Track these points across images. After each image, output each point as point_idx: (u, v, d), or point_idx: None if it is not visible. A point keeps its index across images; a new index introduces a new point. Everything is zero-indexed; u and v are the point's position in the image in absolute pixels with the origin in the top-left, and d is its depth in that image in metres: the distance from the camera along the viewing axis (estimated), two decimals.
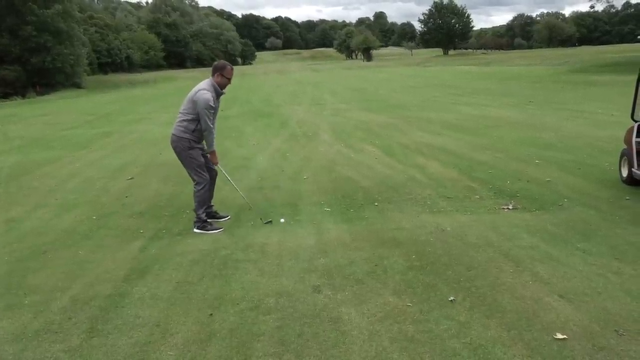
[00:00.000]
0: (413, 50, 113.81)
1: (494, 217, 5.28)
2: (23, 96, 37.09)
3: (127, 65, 73.89)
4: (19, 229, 5.76)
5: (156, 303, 3.67)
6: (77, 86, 44.48)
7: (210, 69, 5.29)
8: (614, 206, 5.40)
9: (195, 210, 5.33)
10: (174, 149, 5.29)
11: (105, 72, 66.37)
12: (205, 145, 5.32)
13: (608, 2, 44.34)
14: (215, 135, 5.31)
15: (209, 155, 5.36)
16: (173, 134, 5.26)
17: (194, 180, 5.34)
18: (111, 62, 69.81)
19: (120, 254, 4.76)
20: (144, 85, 46.02)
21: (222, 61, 5.37)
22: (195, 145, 5.24)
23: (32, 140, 13.47)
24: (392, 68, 55.94)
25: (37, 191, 7.55)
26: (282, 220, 5.50)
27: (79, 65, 45.73)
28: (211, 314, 3.45)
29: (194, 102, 5.10)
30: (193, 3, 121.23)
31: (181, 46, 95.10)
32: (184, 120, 5.19)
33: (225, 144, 10.37)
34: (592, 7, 44.56)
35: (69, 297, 3.84)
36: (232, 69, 5.26)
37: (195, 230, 5.30)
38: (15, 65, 39.86)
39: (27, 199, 7.13)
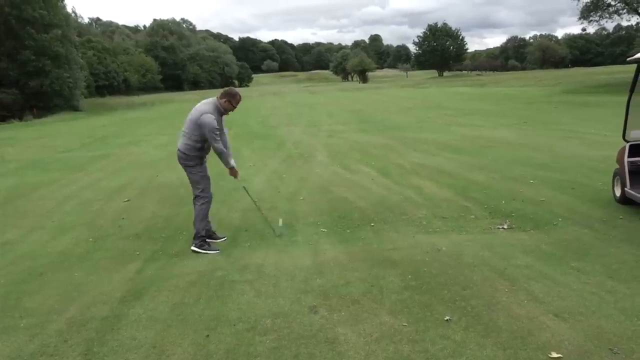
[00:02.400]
0: (408, 72, 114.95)
1: (489, 237, 5.32)
2: (20, 119, 37.19)
3: (125, 88, 74.41)
4: (15, 252, 5.75)
5: (152, 325, 3.67)
6: (75, 109, 44.61)
7: (207, 90, 5.39)
8: (608, 225, 5.45)
9: (196, 225, 5.35)
10: (182, 165, 5.37)
11: (103, 95, 66.76)
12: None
13: (599, 25, 44.86)
14: (231, 152, 5.49)
15: (228, 172, 5.55)
16: (180, 150, 5.31)
17: (197, 197, 5.42)
18: (109, 85, 70.28)
19: (117, 275, 4.77)
20: (141, 108, 46.21)
21: (235, 89, 5.45)
22: (202, 162, 5.40)
23: (29, 163, 13.49)
24: (388, 90, 56.41)
25: (33, 213, 7.55)
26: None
27: (77, 88, 46.00)
28: (208, 335, 3.45)
29: (198, 126, 5.15)
30: (191, 27, 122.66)
31: (178, 69, 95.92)
32: (189, 140, 5.25)
33: (222, 165, 10.40)
34: (583, 29, 45.57)
35: (65, 319, 3.84)
36: (241, 98, 5.36)
37: (193, 247, 5.31)
38: (13, 89, 40.06)
39: (23, 221, 7.13)
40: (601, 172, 7.73)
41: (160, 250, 5.50)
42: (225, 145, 5.38)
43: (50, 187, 9.70)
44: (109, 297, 4.22)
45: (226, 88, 5.50)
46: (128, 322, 3.74)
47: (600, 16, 40.05)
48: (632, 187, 5.87)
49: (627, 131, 6.27)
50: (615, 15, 39.74)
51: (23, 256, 5.57)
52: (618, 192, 6.25)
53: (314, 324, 3.53)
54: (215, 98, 5.32)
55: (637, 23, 44.96)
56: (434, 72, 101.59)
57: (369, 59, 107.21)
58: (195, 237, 5.36)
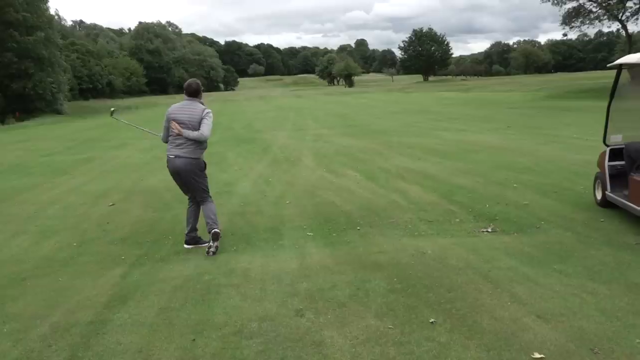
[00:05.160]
0: (394, 77, 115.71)
1: (474, 240, 5.38)
2: (2, 122, 36.67)
3: (109, 91, 73.79)
4: None
5: (138, 329, 3.65)
6: (58, 112, 44.09)
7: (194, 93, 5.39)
8: (589, 228, 5.54)
9: (215, 223, 5.38)
10: (187, 172, 5.32)
11: (87, 98, 66.07)
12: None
13: (581, 31, 45.65)
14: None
15: None
16: (185, 157, 5.27)
17: (206, 198, 5.48)
18: (92, 88, 69.65)
19: (102, 280, 4.73)
20: (125, 112, 45.77)
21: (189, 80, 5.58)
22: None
23: (11, 167, 13.31)
24: (374, 94, 56.65)
25: (16, 218, 7.46)
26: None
27: (60, 92, 45.50)
28: (194, 340, 3.45)
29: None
30: (176, 30, 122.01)
31: (163, 72, 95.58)
32: (199, 145, 5.32)
33: (207, 169, 10.38)
34: (564, 34, 46.19)
35: (49, 324, 3.80)
36: (188, 84, 5.44)
37: (217, 245, 5.33)
38: None
39: (5, 226, 7.03)
40: (583, 176, 7.86)
41: (145, 254, 5.47)
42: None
43: (33, 191, 9.59)
44: (94, 302, 4.19)
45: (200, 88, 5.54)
46: (113, 326, 3.72)
47: (582, 22, 40.78)
48: (612, 191, 5.99)
49: (607, 135, 6.38)
50: (597, 22, 40.52)
51: (6, 261, 5.49)
52: (599, 196, 6.36)
53: (300, 327, 3.54)
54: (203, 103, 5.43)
55: (618, 29, 45.74)
56: (419, 77, 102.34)
57: (354, 63, 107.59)
58: (217, 237, 5.34)
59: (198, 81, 5.57)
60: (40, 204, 8.36)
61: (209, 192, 5.58)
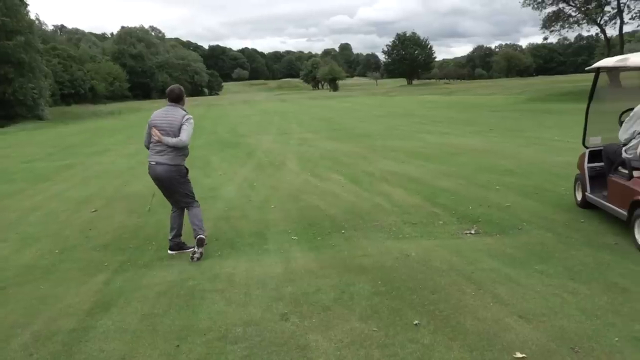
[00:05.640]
0: (378, 81, 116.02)
1: (457, 242, 5.43)
2: None
3: (91, 97, 72.90)
4: None
5: (121, 336, 3.62)
6: (39, 118, 43.44)
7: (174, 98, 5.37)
8: (570, 229, 5.62)
9: (201, 229, 5.35)
10: (169, 178, 5.29)
11: (68, 104, 65.17)
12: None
13: (561, 35, 46.39)
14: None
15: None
16: (165, 164, 5.23)
17: (192, 203, 5.47)
18: (74, 93, 68.75)
19: (84, 287, 4.69)
20: (108, 117, 45.39)
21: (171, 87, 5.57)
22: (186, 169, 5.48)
23: None
24: (358, 98, 56.81)
25: None
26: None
27: (41, 97, 44.84)
28: (178, 345, 3.43)
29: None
30: (160, 34, 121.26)
31: (147, 77, 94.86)
32: (180, 151, 5.28)
33: (191, 174, 10.33)
34: (545, 38, 46.89)
35: (30, 332, 3.76)
36: (170, 90, 5.43)
37: (201, 251, 5.31)
38: None
39: None
40: (564, 178, 7.97)
41: (128, 260, 5.43)
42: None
43: (14, 197, 9.46)
44: (76, 310, 4.15)
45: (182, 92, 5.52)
46: (96, 334, 3.68)
47: (562, 26, 41.47)
48: (592, 192, 6.09)
49: (586, 138, 6.49)
50: (576, 26, 41.25)
51: None
52: (579, 197, 6.46)
53: (285, 332, 3.55)
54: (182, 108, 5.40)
55: (597, 33, 46.56)
56: (403, 81, 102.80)
57: (339, 67, 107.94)
58: (202, 243, 5.32)
59: (181, 87, 5.55)
60: (21, 210, 8.25)
61: (194, 196, 5.56)
